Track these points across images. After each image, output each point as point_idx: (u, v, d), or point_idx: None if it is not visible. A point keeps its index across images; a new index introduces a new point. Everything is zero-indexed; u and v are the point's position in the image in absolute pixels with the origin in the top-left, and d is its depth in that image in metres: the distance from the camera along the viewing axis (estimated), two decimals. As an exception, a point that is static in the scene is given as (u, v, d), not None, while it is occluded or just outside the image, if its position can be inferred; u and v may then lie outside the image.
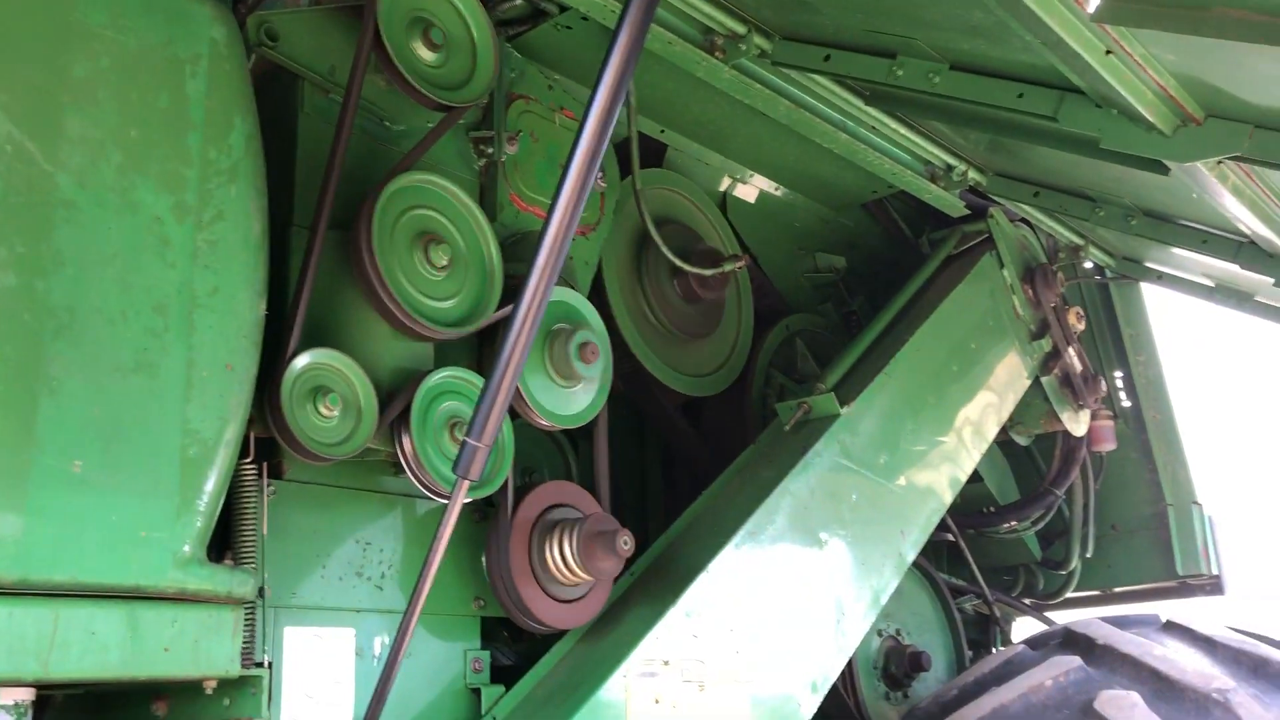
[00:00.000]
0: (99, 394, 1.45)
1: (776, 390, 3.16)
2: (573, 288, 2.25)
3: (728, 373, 3.08)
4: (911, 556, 2.78)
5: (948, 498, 2.96)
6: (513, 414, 2.06)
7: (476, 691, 2.02)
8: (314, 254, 1.80)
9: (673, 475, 3.25)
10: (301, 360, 1.74)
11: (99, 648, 1.41)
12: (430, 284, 1.95)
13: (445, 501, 1.72)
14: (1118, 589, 4.09)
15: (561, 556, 2.04)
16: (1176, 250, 3.14)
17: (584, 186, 1.57)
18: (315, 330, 1.82)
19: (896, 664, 3.47)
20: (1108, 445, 3.87)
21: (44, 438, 1.39)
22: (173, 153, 1.57)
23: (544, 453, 2.51)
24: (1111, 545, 4.07)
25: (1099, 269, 3.94)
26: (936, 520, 2.90)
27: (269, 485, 1.75)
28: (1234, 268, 2.89)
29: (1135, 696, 2.68)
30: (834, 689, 3.30)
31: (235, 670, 1.52)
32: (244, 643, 1.55)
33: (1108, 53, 1.78)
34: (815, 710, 2.39)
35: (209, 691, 1.57)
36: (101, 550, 1.42)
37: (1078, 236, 3.60)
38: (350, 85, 1.86)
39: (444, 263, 1.96)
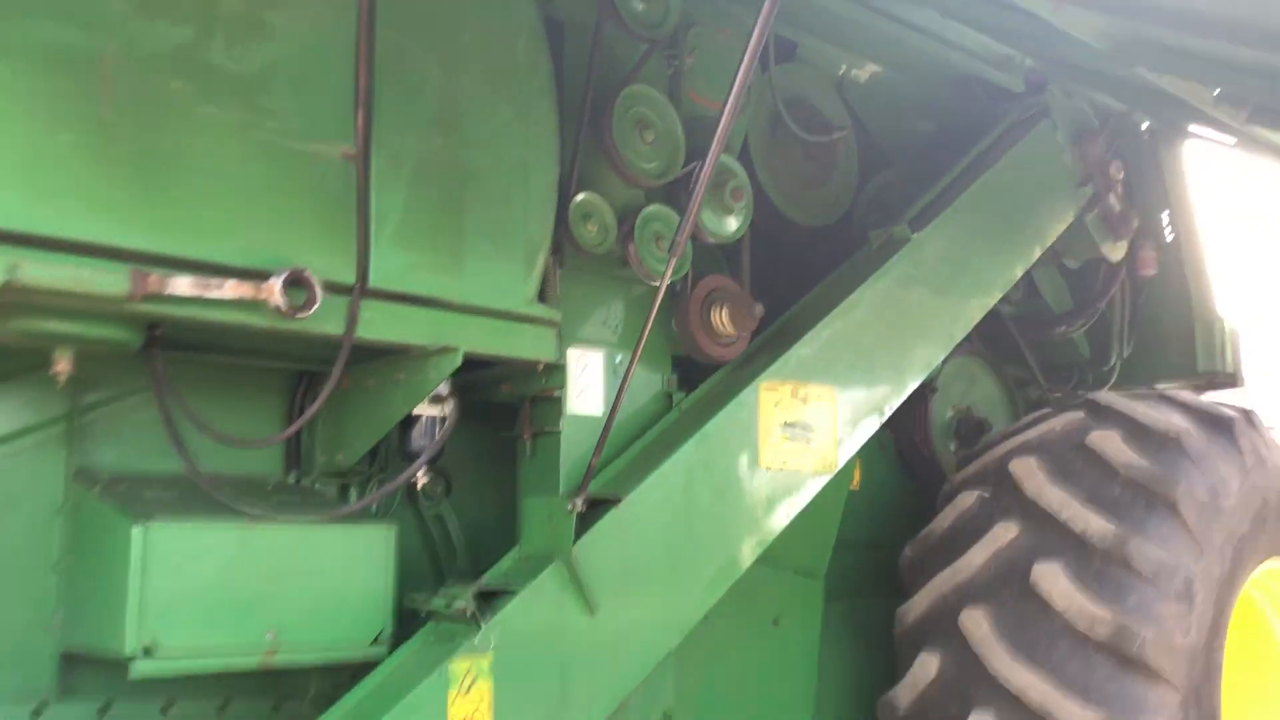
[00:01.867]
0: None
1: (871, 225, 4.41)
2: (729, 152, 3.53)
3: (836, 210, 4.32)
4: (959, 337, 4.03)
5: (992, 299, 4.17)
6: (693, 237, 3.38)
7: (669, 396, 3.41)
8: (579, 137, 3.12)
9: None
10: (579, 197, 3.10)
11: (494, 341, 2.83)
12: (642, 153, 3.25)
13: (655, 284, 3.05)
14: (1152, 384, 5.24)
15: (719, 318, 3.40)
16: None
17: (744, 86, 2.77)
18: (583, 182, 3.16)
19: (965, 428, 4.75)
20: (1149, 270, 4.98)
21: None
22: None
23: (711, 258, 3.82)
24: (1146, 348, 5.21)
25: (1143, 128, 5.00)
26: (980, 314, 4.12)
27: (558, 269, 3.12)
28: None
29: (1115, 434, 3.90)
30: (913, 442, 4.65)
31: (553, 357, 2.95)
32: (555, 345, 2.97)
33: None
34: (879, 427, 3.69)
35: (539, 369, 3.00)
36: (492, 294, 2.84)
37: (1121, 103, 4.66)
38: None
39: (650, 139, 3.25)
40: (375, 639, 2.76)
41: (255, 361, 2.93)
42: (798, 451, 3.43)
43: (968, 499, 4.01)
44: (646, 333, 2.91)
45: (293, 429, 2.88)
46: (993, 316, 4.32)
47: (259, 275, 2.39)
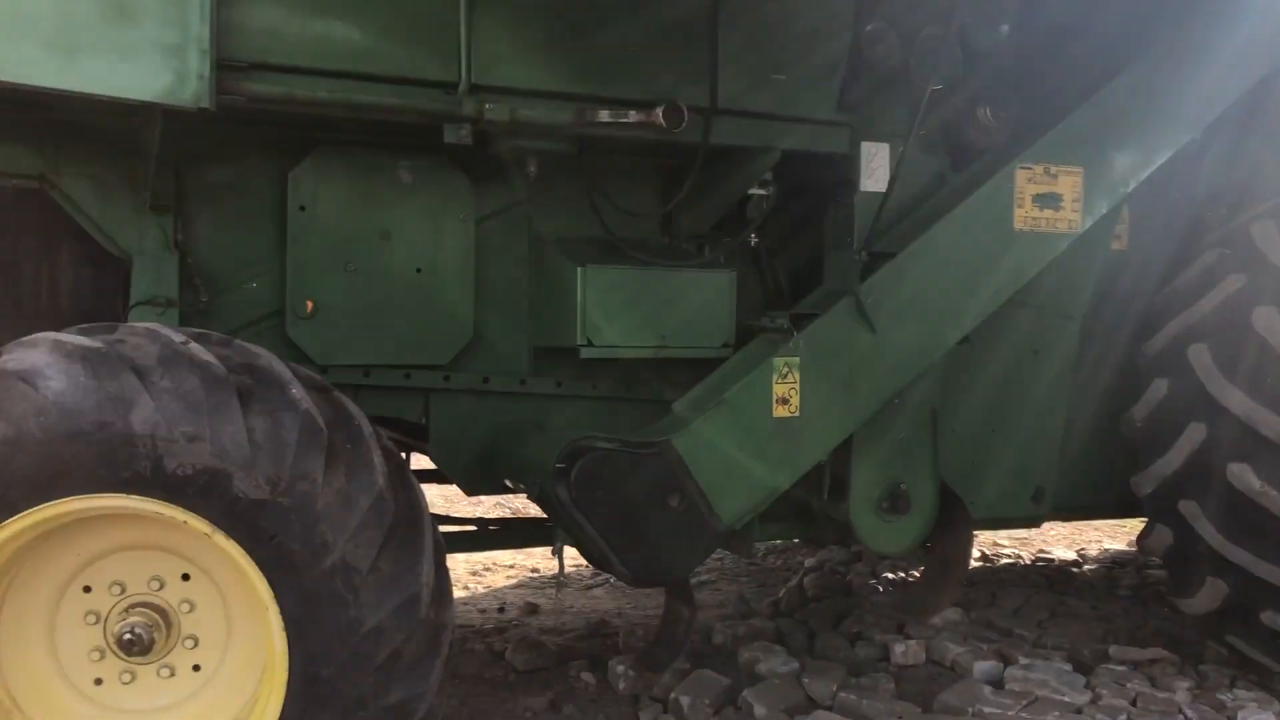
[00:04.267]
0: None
1: None
2: None
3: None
4: (1209, 118, 4.68)
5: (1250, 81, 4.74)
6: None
7: (942, 176, 4.44)
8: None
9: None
10: (869, 26, 4.13)
11: (802, 140, 4.03)
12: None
13: (930, 88, 4.08)
14: None
15: (984, 113, 4.36)
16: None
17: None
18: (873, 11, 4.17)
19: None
20: None
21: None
22: None
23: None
24: None
25: None
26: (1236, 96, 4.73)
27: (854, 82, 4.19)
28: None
29: None
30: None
31: (847, 150, 4.12)
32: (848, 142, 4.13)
33: None
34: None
35: (837, 159, 4.17)
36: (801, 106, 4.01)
37: None
38: None
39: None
40: (723, 344, 4.17)
41: (643, 159, 4.30)
42: (1047, 218, 4.39)
43: (1210, 256, 4.78)
44: (916, 127, 3.98)
45: (673, 204, 4.25)
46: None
47: (648, 105, 3.70)
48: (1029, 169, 4.35)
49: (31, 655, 2.96)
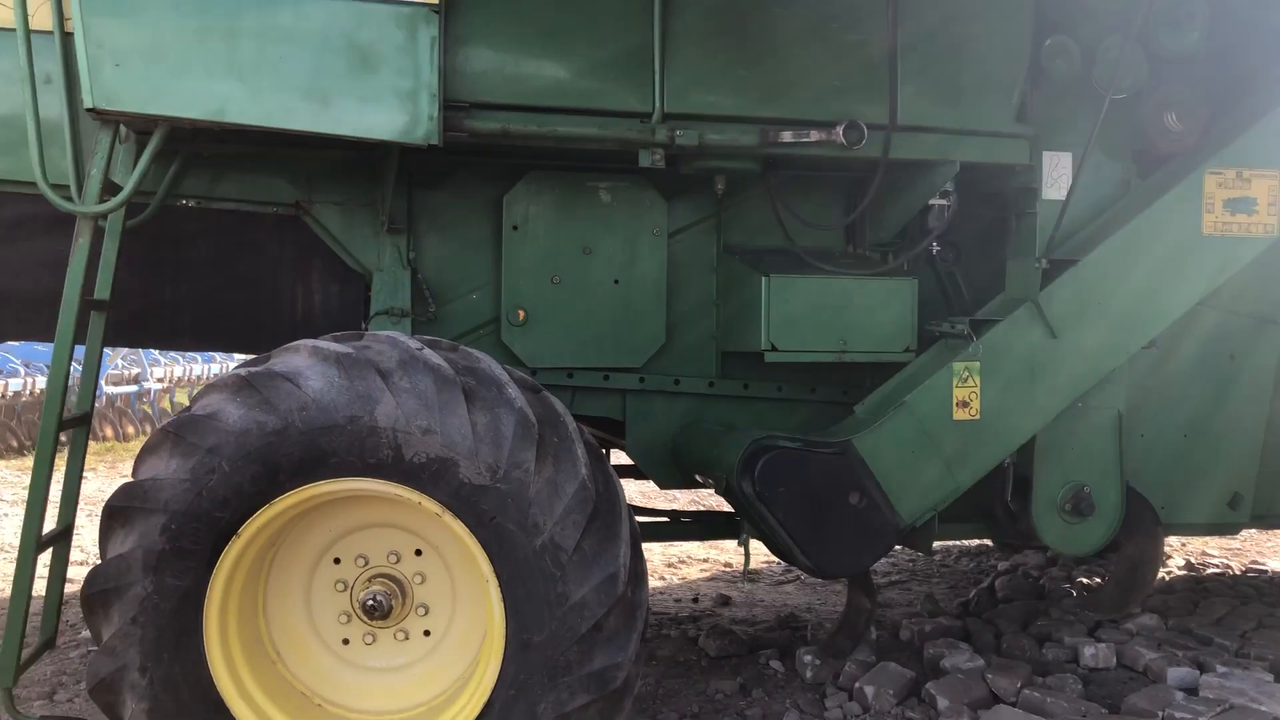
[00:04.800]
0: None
1: None
2: None
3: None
4: None
5: None
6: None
7: (1128, 183, 4.48)
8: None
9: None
10: (1048, 41, 4.23)
11: (981, 152, 4.18)
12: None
13: (1111, 96, 4.13)
14: None
15: (1170, 119, 4.36)
16: None
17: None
18: (1051, 25, 4.26)
19: None
20: None
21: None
22: None
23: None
24: None
25: None
26: None
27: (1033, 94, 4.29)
28: None
29: None
30: None
31: (1026, 161, 4.23)
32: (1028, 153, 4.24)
33: None
34: None
35: (1017, 170, 4.29)
36: (979, 119, 4.17)
37: None
38: None
39: (1114, -19, 4.24)
40: (905, 349, 4.35)
41: (828, 173, 4.54)
42: (1239, 222, 4.36)
43: None
44: (1094, 135, 4.06)
45: (853, 215, 4.48)
46: None
47: (829, 125, 3.94)
48: (1218, 174, 4.34)
49: (292, 616, 3.47)
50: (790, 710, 4.36)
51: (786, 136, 3.91)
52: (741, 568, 7.22)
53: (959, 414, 4.08)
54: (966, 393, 4.09)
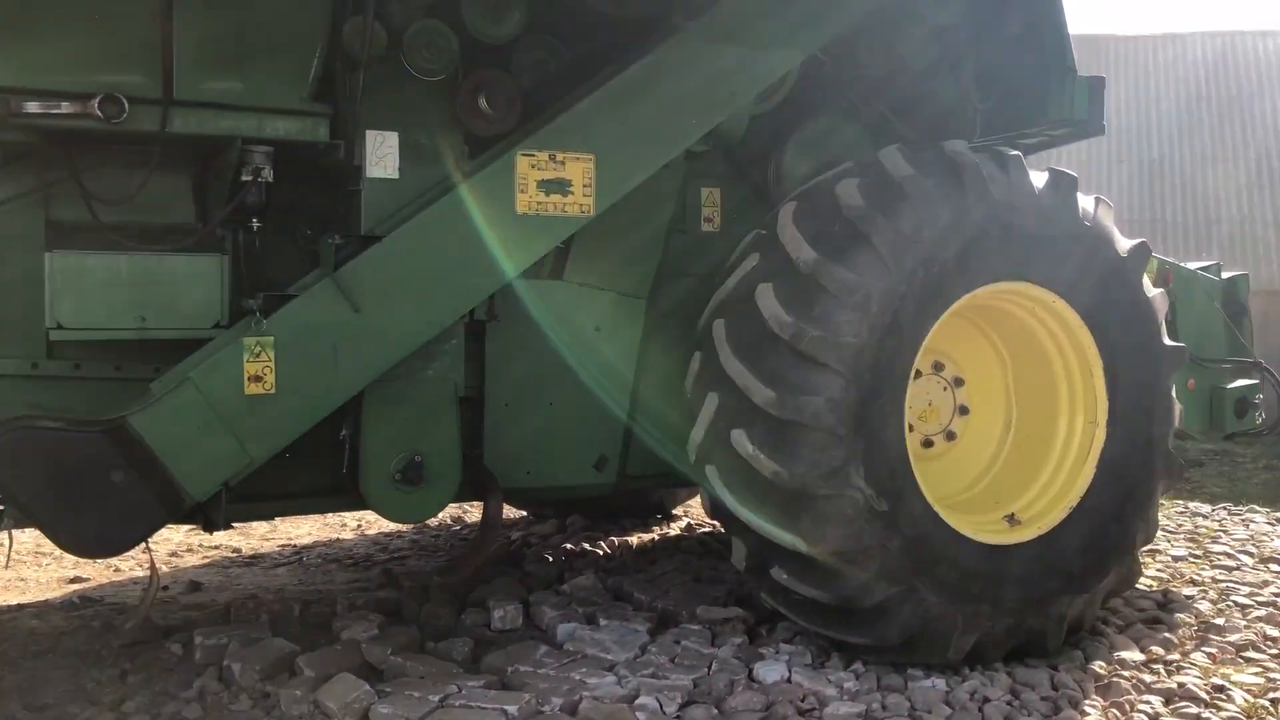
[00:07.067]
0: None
1: None
2: None
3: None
4: (743, 101, 4.94)
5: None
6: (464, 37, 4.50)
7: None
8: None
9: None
10: (348, 23, 4.32)
11: (268, 128, 4.22)
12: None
13: (430, 79, 4.27)
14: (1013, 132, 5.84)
15: (482, 102, 4.56)
16: None
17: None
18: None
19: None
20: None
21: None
22: None
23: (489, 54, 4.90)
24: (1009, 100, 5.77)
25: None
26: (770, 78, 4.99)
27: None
28: None
29: (854, 181, 4.76)
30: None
31: (324, 140, 4.30)
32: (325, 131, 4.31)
33: None
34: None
35: (339, 147, 4.35)
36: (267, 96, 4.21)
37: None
38: None
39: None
40: (215, 325, 4.33)
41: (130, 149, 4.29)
42: (554, 202, 4.61)
43: (750, 238, 5.03)
44: (360, 116, 4.25)
45: (135, 192, 4.19)
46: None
47: (85, 97, 3.86)
48: (531, 155, 4.57)
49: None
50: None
51: (33, 107, 3.80)
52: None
53: (251, 388, 4.12)
54: (259, 367, 4.14)
